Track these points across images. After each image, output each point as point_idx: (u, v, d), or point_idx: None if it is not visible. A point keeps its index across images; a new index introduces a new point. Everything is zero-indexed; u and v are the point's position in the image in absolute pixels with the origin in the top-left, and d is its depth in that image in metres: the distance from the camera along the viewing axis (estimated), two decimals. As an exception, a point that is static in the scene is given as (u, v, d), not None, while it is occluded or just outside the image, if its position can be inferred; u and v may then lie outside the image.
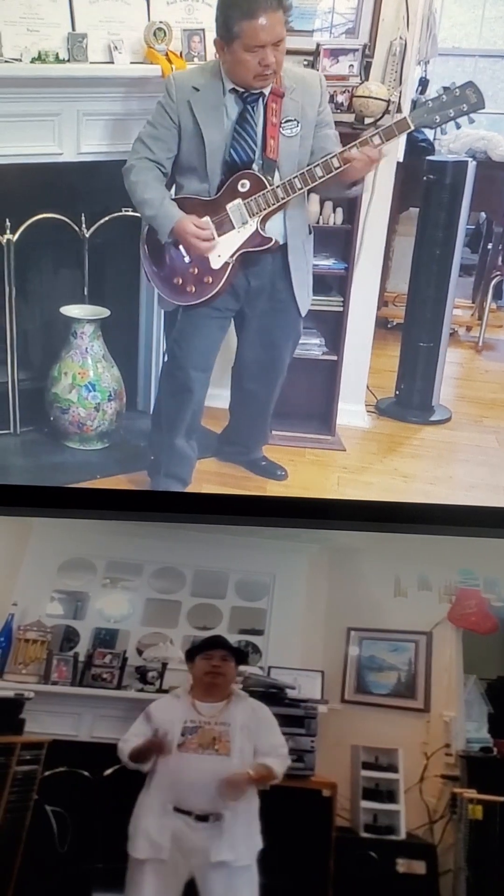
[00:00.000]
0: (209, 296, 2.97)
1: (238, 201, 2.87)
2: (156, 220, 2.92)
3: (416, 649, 2.57)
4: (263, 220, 2.90)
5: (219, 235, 2.91)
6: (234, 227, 2.90)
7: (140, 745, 2.18)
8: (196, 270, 2.95)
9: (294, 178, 2.84)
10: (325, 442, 3.45)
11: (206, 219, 2.90)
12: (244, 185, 2.86)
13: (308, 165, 2.85)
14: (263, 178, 2.85)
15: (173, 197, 2.93)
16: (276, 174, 2.86)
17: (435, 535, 2.69)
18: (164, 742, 2.16)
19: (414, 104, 3.34)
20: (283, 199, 2.86)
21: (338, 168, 2.81)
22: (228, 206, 2.88)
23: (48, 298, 3.38)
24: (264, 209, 2.87)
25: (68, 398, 3.32)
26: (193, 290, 2.98)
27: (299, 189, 2.85)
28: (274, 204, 2.87)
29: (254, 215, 2.88)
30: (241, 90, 2.80)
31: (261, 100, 2.81)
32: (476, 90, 2.78)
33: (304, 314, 3.10)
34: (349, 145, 2.81)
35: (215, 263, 2.94)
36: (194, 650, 2.35)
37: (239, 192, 2.87)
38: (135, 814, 2.14)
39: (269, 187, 2.85)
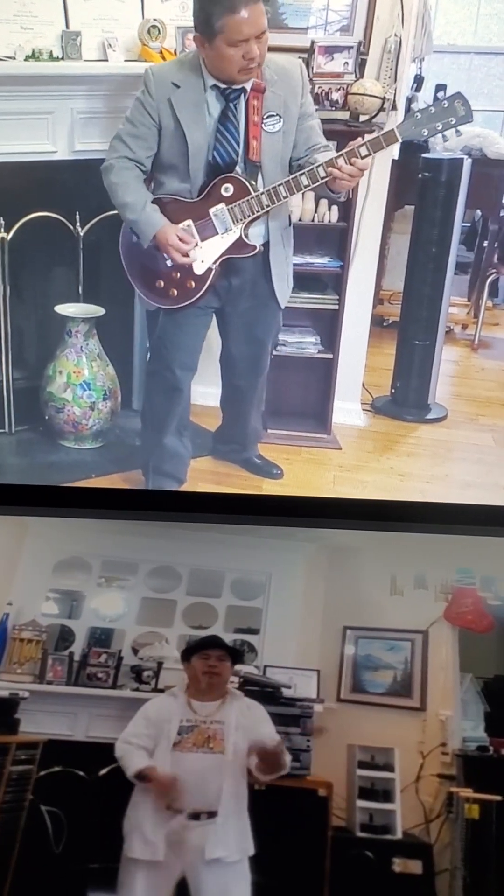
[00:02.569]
0: (192, 300, 2.96)
1: (222, 206, 2.85)
2: (137, 226, 2.89)
3: (413, 648, 2.57)
4: (247, 227, 2.88)
5: (202, 240, 2.88)
6: (217, 233, 2.88)
7: (146, 771, 2.16)
8: (178, 275, 2.93)
9: (279, 185, 2.81)
10: (320, 440, 3.45)
11: (189, 222, 2.87)
12: (228, 190, 2.84)
13: (292, 170, 2.83)
14: (248, 184, 2.82)
15: (155, 196, 2.89)
16: (260, 176, 2.84)
17: (431, 533, 2.68)
18: (172, 785, 2.14)
19: (409, 102, 3.33)
20: (267, 206, 2.84)
21: (323, 178, 2.79)
22: (212, 211, 2.86)
23: (42, 297, 3.38)
24: (248, 216, 2.85)
25: (63, 397, 3.32)
26: (176, 293, 2.96)
27: (284, 197, 2.82)
28: (258, 211, 2.85)
29: (238, 222, 2.86)
30: (223, 86, 2.76)
31: (242, 96, 2.78)
32: (465, 102, 2.76)
33: (283, 306, 3.07)
34: (337, 154, 2.78)
35: (198, 269, 2.91)
36: (190, 650, 2.35)
37: (223, 196, 2.84)
38: (129, 812, 2.15)
39: (253, 193, 2.83)
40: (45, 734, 2.39)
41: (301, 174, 2.80)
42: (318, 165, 2.79)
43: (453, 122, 2.78)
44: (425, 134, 2.83)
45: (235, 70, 2.72)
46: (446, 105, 2.77)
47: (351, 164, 2.77)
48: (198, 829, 2.09)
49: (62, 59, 3.03)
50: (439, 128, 2.80)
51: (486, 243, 3.83)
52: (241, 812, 2.12)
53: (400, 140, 2.82)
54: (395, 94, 3.14)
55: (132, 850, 2.09)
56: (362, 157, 2.78)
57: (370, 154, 2.79)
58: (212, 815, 2.10)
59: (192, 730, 2.19)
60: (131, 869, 2.08)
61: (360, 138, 2.82)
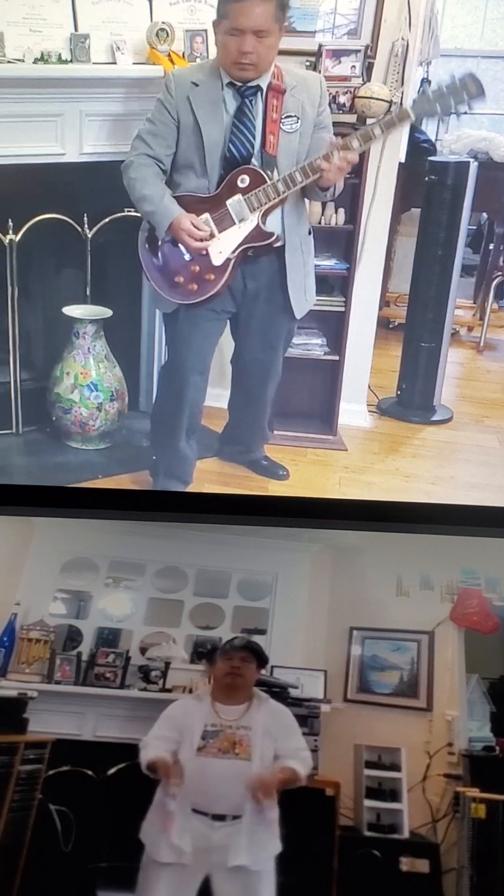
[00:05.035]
0: (212, 293, 2.97)
1: (238, 196, 2.87)
2: (154, 217, 2.92)
3: (419, 648, 2.58)
4: (264, 216, 2.89)
5: (219, 231, 2.90)
6: (234, 223, 2.90)
7: (157, 760, 2.16)
8: (197, 268, 2.95)
9: (294, 171, 2.84)
10: (326, 442, 3.45)
11: (206, 216, 2.89)
12: (244, 181, 2.86)
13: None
14: (263, 173, 2.85)
15: (174, 195, 2.92)
16: (276, 171, 2.86)
17: (436, 534, 2.69)
18: (177, 770, 2.13)
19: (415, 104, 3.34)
20: (283, 192, 2.86)
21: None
22: (228, 202, 2.88)
23: (50, 298, 3.38)
24: (265, 203, 2.87)
25: (70, 398, 3.32)
26: (196, 287, 2.97)
27: (300, 182, 2.85)
28: (275, 198, 2.87)
29: (254, 210, 2.88)
30: (239, 84, 2.80)
31: (259, 94, 2.81)
32: (475, 80, 2.77)
33: (299, 317, 3.08)
34: (347, 137, 2.81)
35: (217, 260, 2.93)
36: (214, 651, 2.35)
37: (239, 187, 2.87)
38: (150, 814, 2.13)
39: (269, 181, 2.85)
40: (54, 734, 2.40)
41: (316, 158, 2.82)
42: (334, 148, 2.81)
43: (466, 99, 2.78)
44: (438, 111, 2.83)
45: (229, 61, 2.75)
46: (458, 83, 2.78)
47: (343, 157, 2.80)
48: (223, 829, 2.08)
49: (71, 61, 3.03)
50: (452, 104, 2.80)
51: (491, 246, 3.83)
52: (270, 818, 2.11)
53: (413, 118, 2.85)
54: (402, 98, 3.15)
55: (157, 853, 2.07)
56: (376, 137, 2.82)
57: (384, 133, 2.83)
58: (237, 817, 2.09)
59: (216, 734, 2.16)
60: (154, 871, 2.07)
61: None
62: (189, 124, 2.84)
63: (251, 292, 3.01)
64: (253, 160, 2.85)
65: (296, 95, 2.82)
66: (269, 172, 2.86)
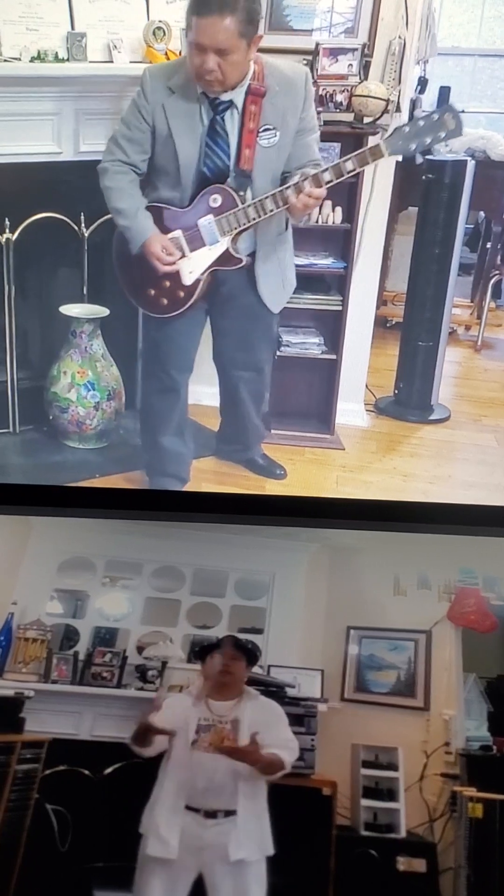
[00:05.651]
0: (182, 309, 2.96)
1: (210, 217, 2.84)
2: (129, 232, 2.90)
3: (416, 648, 2.58)
4: (235, 238, 2.87)
5: (191, 251, 2.88)
6: (205, 244, 2.87)
7: (138, 727, 2.20)
8: (168, 284, 2.93)
9: (266, 198, 2.80)
10: (324, 441, 3.45)
11: (178, 233, 2.87)
12: (216, 200, 2.82)
13: (283, 181, 2.81)
14: (235, 196, 2.81)
15: (148, 202, 2.89)
16: (250, 189, 2.82)
17: (434, 533, 2.69)
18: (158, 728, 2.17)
19: (412, 104, 3.33)
20: (254, 219, 2.83)
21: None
22: (199, 222, 2.85)
23: (47, 297, 3.38)
24: (236, 228, 2.84)
25: (67, 397, 3.32)
26: (166, 302, 2.96)
27: (270, 210, 2.81)
28: (245, 223, 2.84)
29: (225, 234, 2.85)
30: (211, 96, 2.73)
31: (234, 110, 2.75)
32: (455, 115, 2.73)
33: (275, 311, 3.06)
34: (322, 170, 2.77)
35: (187, 280, 2.91)
36: (205, 649, 2.36)
37: (211, 207, 2.83)
38: (146, 811, 2.15)
39: (240, 206, 2.82)
40: (50, 733, 2.40)
41: (288, 187, 2.78)
42: (305, 179, 2.77)
43: (442, 136, 2.75)
44: (413, 149, 2.79)
45: (194, 73, 2.68)
46: (436, 118, 2.73)
47: (308, 194, 2.75)
48: (215, 827, 2.10)
49: (67, 60, 3.03)
50: (428, 142, 2.77)
51: (489, 245, 3.83)
52: (261, 812, 2.13)
53: (386, 155, 2.80)
54: (399, 97, 3.14)
55: (148, 847, 2.10)
56: (348, 172, 2.76)
57: (356, 169, 2.78)
58: (229, 813, 2.11)
59: (208, 729, 2.20)
60: (148, 867, 2.09)
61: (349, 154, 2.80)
62: (164, 133, 2.78)
63: (224, 294, 2.99)
64: (228, 178, 2.81)
65: (276, 103, 2.74)
66: (242, 193, 2.82)
